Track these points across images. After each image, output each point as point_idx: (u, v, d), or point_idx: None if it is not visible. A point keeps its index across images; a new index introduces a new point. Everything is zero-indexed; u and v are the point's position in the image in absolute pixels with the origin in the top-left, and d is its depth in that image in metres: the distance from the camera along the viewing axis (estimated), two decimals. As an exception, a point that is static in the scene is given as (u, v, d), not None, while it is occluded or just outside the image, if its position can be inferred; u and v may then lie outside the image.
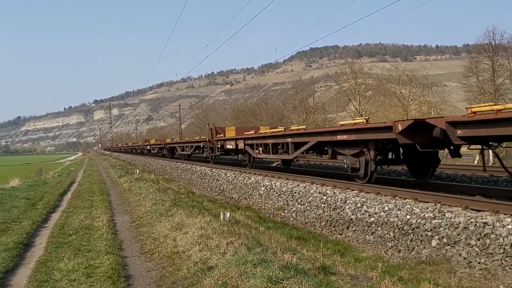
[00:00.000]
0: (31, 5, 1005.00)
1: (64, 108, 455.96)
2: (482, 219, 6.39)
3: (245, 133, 18.08)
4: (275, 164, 20.81)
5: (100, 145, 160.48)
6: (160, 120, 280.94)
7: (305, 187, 11.73)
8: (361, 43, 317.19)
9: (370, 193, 9.61)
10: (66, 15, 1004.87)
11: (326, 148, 12.37)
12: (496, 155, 9.75)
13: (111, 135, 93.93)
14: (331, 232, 9.07)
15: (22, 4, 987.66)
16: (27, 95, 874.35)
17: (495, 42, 31.28)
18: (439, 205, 7.62)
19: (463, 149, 8.86)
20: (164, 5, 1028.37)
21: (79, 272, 5.59)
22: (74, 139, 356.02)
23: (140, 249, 7.10)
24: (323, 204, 10.16)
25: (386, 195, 9.12)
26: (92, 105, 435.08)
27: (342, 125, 10.90)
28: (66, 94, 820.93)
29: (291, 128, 14.72)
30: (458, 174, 12.57)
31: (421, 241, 6.89)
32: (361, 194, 9.70)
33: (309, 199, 10.91)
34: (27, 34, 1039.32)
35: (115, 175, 23.72)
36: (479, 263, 5.75)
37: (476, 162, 17.84)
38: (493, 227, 6.10)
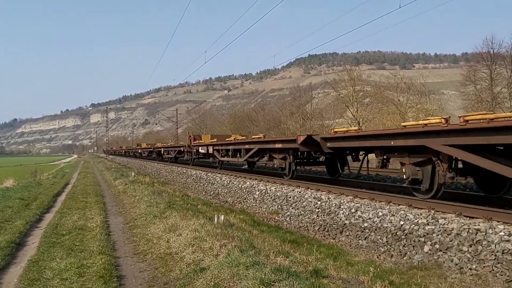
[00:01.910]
0: (29, 9, 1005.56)
1: (61, 111, 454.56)
2: (475, 225, 6.43)
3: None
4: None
5: (96, 148, 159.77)
6: (156, 124, 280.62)
7: (299, 192, 11.75)
8: (360, 51, 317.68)
9: (364, 198, 9.64)
10: (66, 21, 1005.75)
11: None
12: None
13: (107, 138, 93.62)
14: (324, 236, 9.09)
15: (19, 8, 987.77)
16: (24, 97, 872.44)
17: (493, 51, 31.56)
18: (432, 211, 7.66)
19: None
20: (164, 11, 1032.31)
21: (71, 272, 5.58)
22: (70, 142, 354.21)
23: (133, 250, 7.09)
24: (317, 209, 10.18)
25: (380, 201, 9.15)
26: (89, 108, 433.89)
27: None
28: (63, 97, 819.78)
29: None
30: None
31: (413, 246, 6.92)
32: (355, 199, 9.72)
33: (304, 203, 10.92)
34: (25, 36, 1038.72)
35: (110, 178, 23.66)
36: (470, 269, 5.78)
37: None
38: (485, 234, 6.13)
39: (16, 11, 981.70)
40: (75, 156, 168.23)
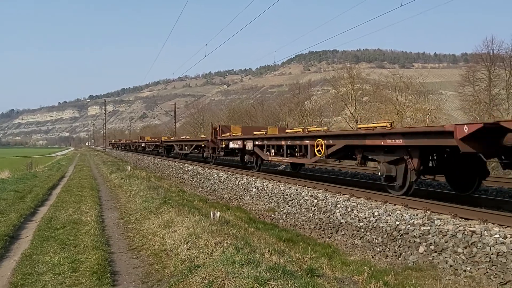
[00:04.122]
0: (27, 2, 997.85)
1: (59, 102, 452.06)
2: (471, 227, 6.43)
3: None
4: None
5: (93, 141, 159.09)
6: (154, 118, 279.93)
7: (296, 190, 11.73)
8: (359, 48, 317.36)
9: (361, 197, 9.64)
10: (64, 13, 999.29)
11: None
12: None
13: (104, 131, 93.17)
14: (320, 235, 9.08)
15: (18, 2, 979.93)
16: (22, 87, 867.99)
17: (493, 52, 31.44)
18: (428, 212, 7.66)
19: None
20: (164, 3, 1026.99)
21: (64, 266, 5.54)
22: (67, 134, 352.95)
23: (127, 246, 7.06)
24: (314, 207, 10.17)
25: (376, 201, 9.15)
26: (87, 100, 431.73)
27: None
28: (61, 88, 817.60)
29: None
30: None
31: (408, 247, 6.92)
32: (352, 198, 9.72)
33: (300, 201, 10.91)
34: (24, 28, 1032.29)
35: (106, 171, 23.58)
36: (464, 271, 5.78)
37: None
38: (480, 236, 6.14)
39: (15, 5, 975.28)
40: (72, 148, 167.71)
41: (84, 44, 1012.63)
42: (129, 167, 23.29)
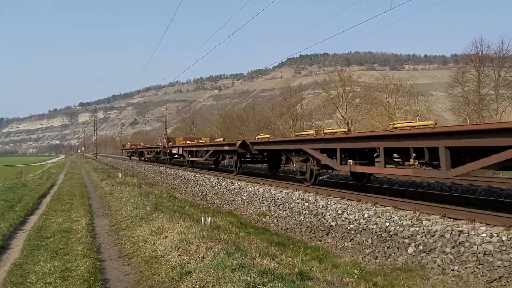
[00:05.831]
0: (16, 9, 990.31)
1: (49, 110, 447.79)
2: (458, 227, 6.54)
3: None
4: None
5: (83, 148, 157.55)
6: (145, 124, 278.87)
7: (287, 194, 11.79)
8: (350, 51, 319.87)
9: (351, 200, 9.72)
10: (55, 20, 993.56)
11: None
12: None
13: (95, 138, 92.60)
14: (311, 238, 9.14)
15: (5, 8, 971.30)
16: (11, 96, 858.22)
17: (482, 53, 31.89)
18: (417, 213, 7.76)
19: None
20: (154, 10, 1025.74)
21: (55, 275, 5.51)
22: (57, 142, 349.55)
23: (118, 253, 7.03)
24: (305, 210, 10.23)
25: (367, 203, 9.24)
26: (78, 107, 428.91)
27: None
28: (52, 96, 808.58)
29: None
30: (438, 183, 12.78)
31: (398, 248, 7.00)
32: (342, 201, 9.80)
33: (291, 205, 10.96)
34: (13, 35, 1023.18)
35: (96, 179, 23.42)
36: (452, 270, 5.87)
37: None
38: (468, 235, 6.24)
39: (4, 10, 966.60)
40: (63, 156, 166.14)
41: (74, 51, 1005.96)
42: (120, 174, 23.15)
